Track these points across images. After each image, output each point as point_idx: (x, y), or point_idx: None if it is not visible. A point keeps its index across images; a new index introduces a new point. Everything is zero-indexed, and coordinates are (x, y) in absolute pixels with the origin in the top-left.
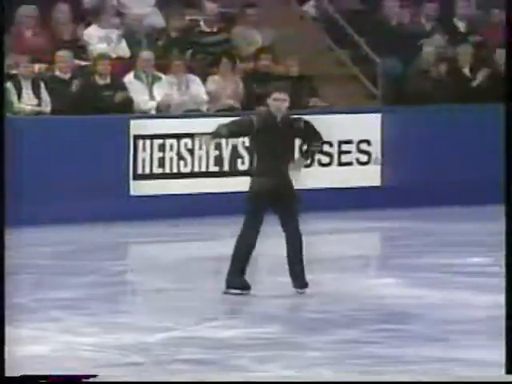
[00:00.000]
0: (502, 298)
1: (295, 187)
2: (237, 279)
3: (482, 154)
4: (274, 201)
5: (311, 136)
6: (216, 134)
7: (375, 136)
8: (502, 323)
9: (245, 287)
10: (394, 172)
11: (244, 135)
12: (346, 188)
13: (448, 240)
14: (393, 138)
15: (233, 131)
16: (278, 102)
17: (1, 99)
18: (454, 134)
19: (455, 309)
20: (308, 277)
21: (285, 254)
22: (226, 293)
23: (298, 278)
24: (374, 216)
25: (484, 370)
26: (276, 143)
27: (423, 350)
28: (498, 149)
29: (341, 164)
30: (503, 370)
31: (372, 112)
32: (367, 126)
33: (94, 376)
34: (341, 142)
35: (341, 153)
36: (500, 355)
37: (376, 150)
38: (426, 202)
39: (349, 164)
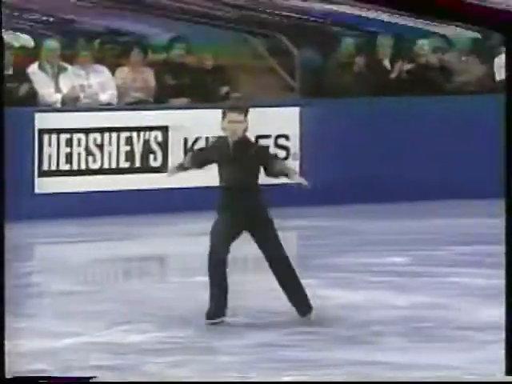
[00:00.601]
0: (421, 298)
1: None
2: (211, 303)
3: (402, 149)
4: (246, 222)
5: (270, 162)
6: (179, 167)
7: (294, 130)
8: (424, 324)
9: (210, 316)
10: (313, 168)
11: (207, 164)
12: (264, 185)
13: (367, 239)
14: (312, 132)
15: (196, 161)
16: (234, 124)
17: (0, 99)
18: (373, 128)
19: (375, 310)
20: None
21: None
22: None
23: (299, 303)
24: (291, 214)
25: (406, 373)
26: (231, 172)
27: (344, 352)
28: (418, 143)
29: None
30: (503, 371)
31: (290, 105)
32: (285, 119)
33: (94, 377)
34: (258, 137)
35: None
36: (420, 357)
37: (295, 144)
38: (345, 200)
39: None
